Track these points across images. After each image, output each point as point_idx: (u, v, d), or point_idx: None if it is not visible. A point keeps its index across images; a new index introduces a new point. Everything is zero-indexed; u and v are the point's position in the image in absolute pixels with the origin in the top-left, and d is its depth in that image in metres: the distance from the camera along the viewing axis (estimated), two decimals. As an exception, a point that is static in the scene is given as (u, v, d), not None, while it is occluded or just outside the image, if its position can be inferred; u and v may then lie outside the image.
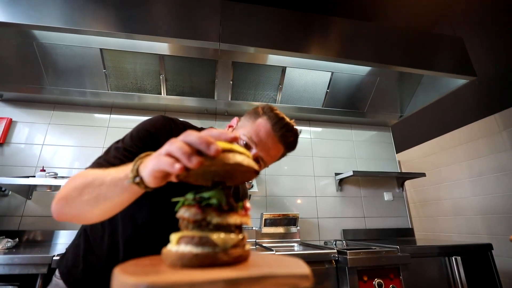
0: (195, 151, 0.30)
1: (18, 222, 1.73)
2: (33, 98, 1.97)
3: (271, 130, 0.64)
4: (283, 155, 0.71)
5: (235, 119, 0.74)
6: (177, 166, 0.30)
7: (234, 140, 0.33)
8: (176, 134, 0.65)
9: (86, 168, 0.56)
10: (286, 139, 0.65)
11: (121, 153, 0.58)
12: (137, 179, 0.36)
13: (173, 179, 0.35)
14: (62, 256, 0.73)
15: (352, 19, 1.92)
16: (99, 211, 0.45)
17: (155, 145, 0.60)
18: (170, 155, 0.32)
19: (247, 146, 0.64)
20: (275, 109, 0.68)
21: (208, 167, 0.30)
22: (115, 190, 0.41)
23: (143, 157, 0.38)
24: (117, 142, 0.63)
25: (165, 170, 0.32)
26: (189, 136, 0.32)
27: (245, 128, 0.67)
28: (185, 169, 0.30)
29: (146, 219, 0.64)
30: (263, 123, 0.65)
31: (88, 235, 0.69)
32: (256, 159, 0.65)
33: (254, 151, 0.64)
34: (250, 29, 1.67)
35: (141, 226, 0.64)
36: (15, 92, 1.87)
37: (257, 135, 0.64)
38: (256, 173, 0.36)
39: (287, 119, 0.66)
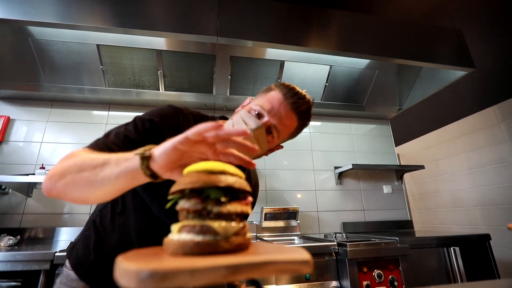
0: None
1: (19, 220, 1.73)
2: (30, 96, 1.96)
3: (282, 98, 0.64)
4: (298, 128, 0.68)
5: (248, 99, 0.74)
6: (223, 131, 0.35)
7: (243, 133, 0.36)
8: (183, 124, 0.65)
9: (84, 148, 0.54)
10: (299, 107, 0.64)
11: (122, 139, 0.57)
12: (147, 153, 0.37)
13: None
14: (72, 246, 0.72)
15: (351, 12, 1.90)
16: (97, 191, 0.42)
17: (158, 136, 0.59)
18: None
19: (259, 116, 0.63)
20: (287, 83, 0.67)
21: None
22: (119, 169, 0.39)
23: (148, 148, 0.38)
24: (120, 127, 0.61)
25: (204, 132, 0.35)
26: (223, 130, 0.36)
27: (257, 101, 0.66)
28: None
29: (161, 212, 0.64)
30: (274, 94, 0.65)
31: (98, 227, 0.69)
32: (268, 128, 0.64)
33: (266, 118, 0.63)
34: (248, 23, 1.66)
35: (157, 218, 0.65)
36: (12, 90, 1.86)
37: (269, 103, 0.63)
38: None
39: (299, 89, 0.66)
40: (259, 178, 0.89)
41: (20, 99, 1.99)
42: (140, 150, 0.38)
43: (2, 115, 1.90)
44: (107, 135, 0.59)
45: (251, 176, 0.83)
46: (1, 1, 1.40)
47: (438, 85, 2.10)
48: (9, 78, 1.81)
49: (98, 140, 0.57)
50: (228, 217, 0.31)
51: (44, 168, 1.73)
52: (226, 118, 0.78)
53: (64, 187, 0.43)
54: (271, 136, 0.64)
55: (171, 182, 0.37)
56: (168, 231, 0.33)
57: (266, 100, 0.64)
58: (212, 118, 0.75)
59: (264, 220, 1.99)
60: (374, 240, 1.53)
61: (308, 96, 0.66)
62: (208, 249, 0.28)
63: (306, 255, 0.29)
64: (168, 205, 0.36)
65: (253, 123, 0.61)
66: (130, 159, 0.39)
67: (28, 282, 1.18)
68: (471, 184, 2.41)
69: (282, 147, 0.72)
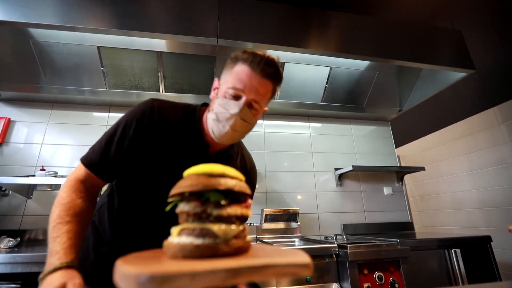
0: None
1: (19, 222, 1.73)
2: (31, 97, 1.96)
3: (250, 70, 0.62)
4: (274, 90, 0.68)
5: (216, 80, 0.71)
6: None
7: None
8: (159, 122, 0.68)
9: (80, 161, 0.66)
10: (268, 72, 0.63)
11: (103, 147, 0.66)
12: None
13: None
14: None
15: (351, 13, 1.91)
16: None
17: (132, 141, 0.67)
18: None
19: (235, 97, 0.62)
20: (246, 50, 0.65)
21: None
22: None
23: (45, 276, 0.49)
24: (105, 133, 0.70)
25: None
26: None
27: (227, 82, 0.64)
28: None
29: (161, 214, 0.64)
30: (240, 68, 0.63)
31: (97, 226, 0.69)
32: (250, 104, 0.63)
33: (243, 98, 0.62)
34: (248, 25, 1.66)
35: (156, 221, 0.65)
36: (13, 92, 1.86)
37: (239, 81, 0.62)
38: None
39: (261, 53, 0.64)
40: (259, 180, 0.89)
41: (20, 100, 1.99)
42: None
43: (2, 117, 1.90)
44: (96, 144, 0.69)
45: (245, 160, 0.82)
46: (2, 3, 1.41)
47: (438, 87, 2.11)
48: (9, 79, 1.81)
49: (93, 147, 0.68)
50: (228, 220, 0.31)
51: (44, 169, 1.73)
52: (207, 105, 0.78)
53: None
54: (253, 109, 0.64)
55: (170, 185, 0.37)
56: (168, 234, 0.33)
57: (235, 77, 0.63)
58: (194, 108, 0.74)
59: (264, 221, 1.99)
60: (375, 242, 1.52)
61: (271, 57, 0.64)
62: (208, 252, 0.28)
63: (306, 258, 0.29)
64: (168, 207, 0.35)
65: (234, 107, 0.62)
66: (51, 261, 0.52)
67: (28, 284, 1.17)
68: (472, 186, 2.40)
69: (267, 109, 0.71)
